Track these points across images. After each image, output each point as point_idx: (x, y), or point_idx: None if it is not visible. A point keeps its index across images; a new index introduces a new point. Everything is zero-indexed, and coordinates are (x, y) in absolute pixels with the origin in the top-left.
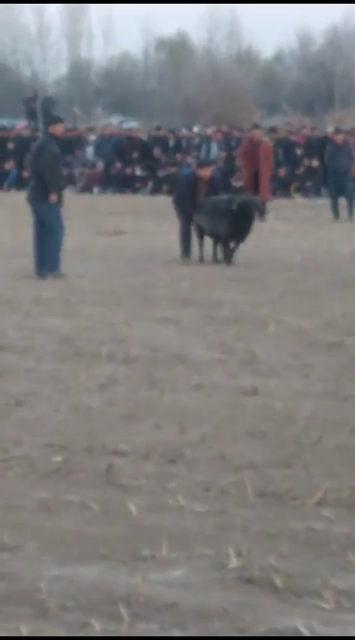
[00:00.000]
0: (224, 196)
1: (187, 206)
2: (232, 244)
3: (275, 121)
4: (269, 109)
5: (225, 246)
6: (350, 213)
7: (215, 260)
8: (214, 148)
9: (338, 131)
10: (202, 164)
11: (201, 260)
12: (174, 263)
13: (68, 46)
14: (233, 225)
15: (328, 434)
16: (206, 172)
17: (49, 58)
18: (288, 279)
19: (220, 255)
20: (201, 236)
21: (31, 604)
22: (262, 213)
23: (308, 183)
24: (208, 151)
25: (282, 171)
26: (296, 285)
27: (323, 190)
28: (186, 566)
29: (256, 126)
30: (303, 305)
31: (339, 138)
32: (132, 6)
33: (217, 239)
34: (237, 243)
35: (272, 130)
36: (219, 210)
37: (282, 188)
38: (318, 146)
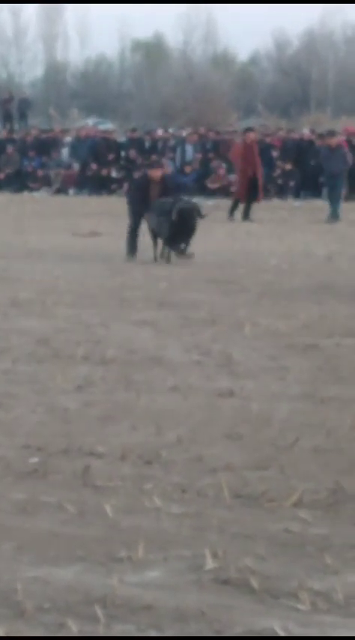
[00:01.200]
0: (169, 200)
1: (135, 205)
2: (182, 245)
3: (251, 123)
4: (245, 111)
5: (170, 247)
6: (331, 216)
7: (155, 260)
8: (189, 150)
9: (332, 134)
10: (153, 165)
11: (155, 259)
12: (150, 264)
13: (44, 47)
14: (175, 230)
15: (304, 436)
16: (156, 173)
17: (25, 59)
18: (265, 281)
19: (159, 254)
20: (154, 236)
21: (7, 605)
22: (202, 216)
23: (291, 183)
24: (183, 153)
25: None
26: (272, 288)
27: (302, 193)
28: (162, 568)
29: (250, 129)
30: (280, 307)
31: (333, 141)
32: (108, 8)
33: (163, 240)
34: (184, 244)
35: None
36: (162, 213)
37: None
38: (294, 148)
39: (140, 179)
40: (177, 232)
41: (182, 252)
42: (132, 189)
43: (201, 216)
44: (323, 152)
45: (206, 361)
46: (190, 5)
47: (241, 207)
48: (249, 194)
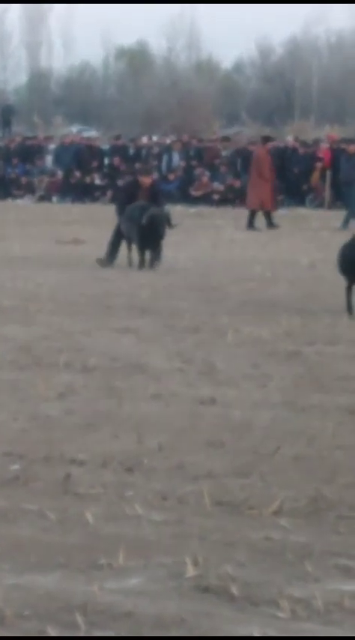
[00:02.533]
0: (141, 205)
1: (122, 210)
2: (150, 253)
3: (235, 130)
4: (228, 119)
5: (140, 252)
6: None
7: (129, 265)
8: (175, 158)
9: (352, 141)
10: (144, 171)
11: (129, 264)
12: (133, 272)
13: (28, 54)
14: (143, 236)
15: (285, 444)
16: (147, 180)
17: (8, 66)
18: (248, 289)
19: (133, 259)
20: (128, 241)
21: None
22: (171, 225)
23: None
24: (169, 160)
25: (238, 183)
26: (255, 295)
27: (286, 201)
28: (142, 575)
29: (269, 138)
30: (262, 315)
31: (352, 148)
32: (92, 15)
33: (134, 245)
34: (153, 251)
35: (226, 139)
36: (132, 219)
37: (242, 198)
38: (277, 156)
39: (130, 184)
40: (146, 238)
41: (151, 261)
42: (120, 194)
43: (170, 225)
44: (341, 160)
45: (188, 369)
46: (174, 12)
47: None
48: (273, 201)
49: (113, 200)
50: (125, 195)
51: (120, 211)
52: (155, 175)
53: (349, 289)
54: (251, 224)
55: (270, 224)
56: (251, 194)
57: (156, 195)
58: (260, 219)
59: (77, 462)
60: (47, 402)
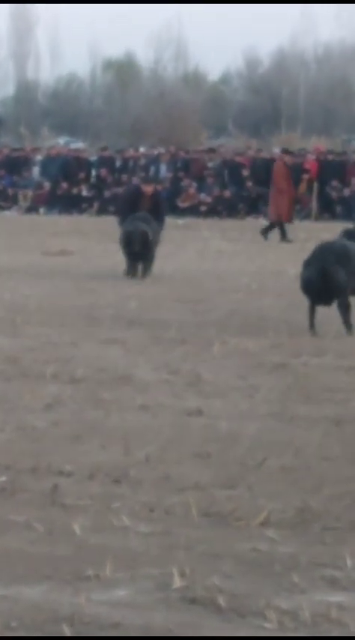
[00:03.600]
0: (130, 218)
1: (126, 217)
2: (140, 265)
3: (222, 142)
4: (215, 130)
5: (130, 263)
6: None
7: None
8: (163, 169)
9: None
10: (147, 180)
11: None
12: (120, 283)
13: (15, 66)
14: (130, 249)
15: (272, 455)
16: (149, 188)
17: None
18: (235, 300)
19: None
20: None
21: None
22: (149, 243)
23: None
24: (157, 172)
25: (227, 193)
26: (242, 307)
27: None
28: (130, 586)
29: (288, 151)
30: (249, 326)
31: None
32: (79, 27)
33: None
34: (143, 263)
35: (211, 150)
36: (123, 231)
37: (229, 209)
38: (264, 168)
39: (132, 192)
40: (132, 252)
41: (143, 271)
42: (122, 203)
43: (148, 242)
44: None
45: (175, 380)
46: (161, 24)
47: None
48: (289, 213)
49: (115, 211)
50: (127, 204)
51: (122, 221)
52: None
53: (312, 308)
54: (265, 232)
55: (283, 237)
56: (270, 206)
57: (158, 205)
58: (228, 232)
59: (64, 473)
60: (34, 413)
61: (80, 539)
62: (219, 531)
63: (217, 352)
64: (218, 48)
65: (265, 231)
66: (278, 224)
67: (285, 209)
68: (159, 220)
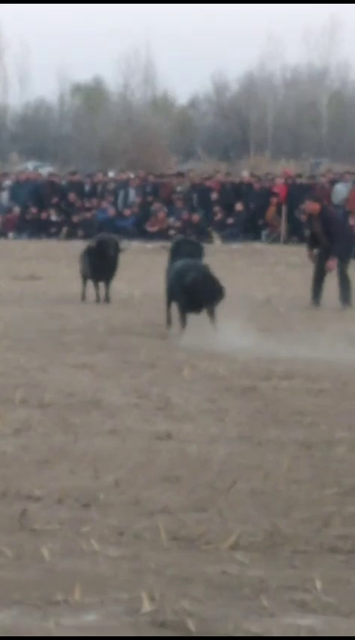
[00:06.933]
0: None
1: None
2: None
3: (191, 166)
4: (184, 154)
5: (94, 284)
6: None
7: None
8: (132, 193)
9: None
10: None
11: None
12: (89, 308)
13: None
14: (93, 264)
15: (242, 478)
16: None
17: None
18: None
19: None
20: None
21: None
22: (119, 250)
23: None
24: (126, 196)
25: (196, 217)
26: (210, 330)
27: (242, 236)
28: (99, 611)
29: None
30: (218, 350)
31: None
32: (47, 52)
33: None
34: (105, 282)
35: (180, 175)
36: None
37: (198, 232)
38: (232, 191)
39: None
40: (95, 269)
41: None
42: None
43: (118, 249)
44: None
45: (144, 404)
46: (129, 49)
47: None
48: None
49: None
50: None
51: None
52: (112, 211)
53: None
54: None
55: None
56: None
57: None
58: None
59: (33, 497)
60: (3, 438)
61: (49, 563)
62: (188, 555)
63: (186, 376)
64: (186, 73)
65: None
66: None
67: None
68: None
